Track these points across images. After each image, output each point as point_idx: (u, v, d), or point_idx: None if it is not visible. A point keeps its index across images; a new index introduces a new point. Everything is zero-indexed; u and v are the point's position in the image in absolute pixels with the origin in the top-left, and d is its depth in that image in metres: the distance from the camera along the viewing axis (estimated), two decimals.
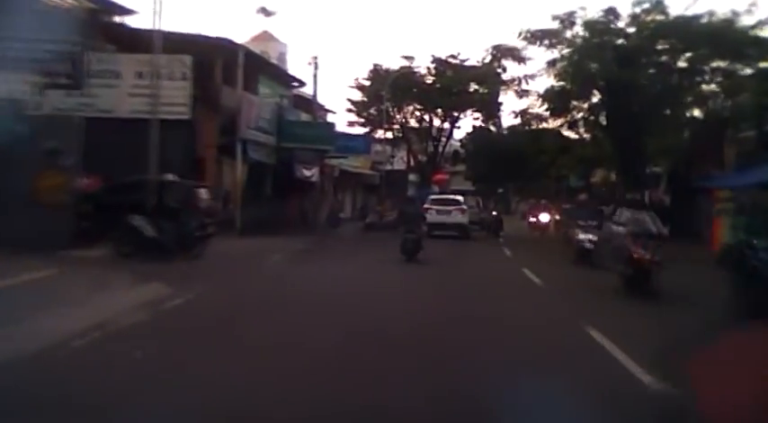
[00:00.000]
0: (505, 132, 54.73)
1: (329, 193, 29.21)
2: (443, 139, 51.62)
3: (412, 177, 52.28)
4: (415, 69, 46.16)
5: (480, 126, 60.46)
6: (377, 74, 46.85)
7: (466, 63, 43.74)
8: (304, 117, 27.70)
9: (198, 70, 20.30)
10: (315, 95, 27.86)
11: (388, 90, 42.90)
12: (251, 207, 21.97)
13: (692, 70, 23.67)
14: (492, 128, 51.60)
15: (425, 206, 23.82)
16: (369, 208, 33.35)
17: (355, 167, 37.79)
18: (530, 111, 28.19)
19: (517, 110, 28.88)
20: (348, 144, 28.74)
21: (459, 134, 68.53)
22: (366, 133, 31.43)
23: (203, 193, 16.23)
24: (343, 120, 51.06)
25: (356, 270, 14.64)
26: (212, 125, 21.46)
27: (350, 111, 49.11)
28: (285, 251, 17.33)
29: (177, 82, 20.52)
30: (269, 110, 24.15)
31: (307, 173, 26.95)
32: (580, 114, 27.50)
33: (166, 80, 20.82)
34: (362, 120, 48.80)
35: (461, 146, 63.31)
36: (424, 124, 49.62)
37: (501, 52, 26.20)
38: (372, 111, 47.30)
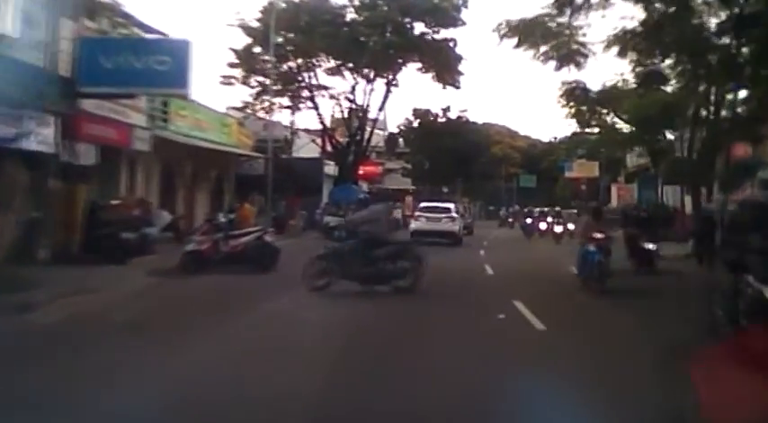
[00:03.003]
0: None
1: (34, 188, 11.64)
2: (373, 116, 35.51)
3: (329, 170, 35.94)
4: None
5: (426, 110, 47.76)
6: (272, 8, 30.43)
7: None
8: None
9: None
10: None
11: (277, 30, 26.74)
12: None
13: None
14: (448, 90, 34.77)
15: (416, 213, 25.83)
16: (215, 219, 16.23)
17: (211, 143, 20.74)
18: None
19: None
20: (131, 66, 11.62)
21: (396, 119, 56.11)
22: (183, 40, 13.89)
23: None
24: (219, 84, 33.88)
25: None
26: None
27: (233, 65, 32.66)
28: None
29: None
30: None
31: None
32: None
33: None
34: (252, 80, 32.68)
35: (399, 133, 50.32)
36: (343, 85, 33.36)
37: None
38: (270, 66, 31.03)
